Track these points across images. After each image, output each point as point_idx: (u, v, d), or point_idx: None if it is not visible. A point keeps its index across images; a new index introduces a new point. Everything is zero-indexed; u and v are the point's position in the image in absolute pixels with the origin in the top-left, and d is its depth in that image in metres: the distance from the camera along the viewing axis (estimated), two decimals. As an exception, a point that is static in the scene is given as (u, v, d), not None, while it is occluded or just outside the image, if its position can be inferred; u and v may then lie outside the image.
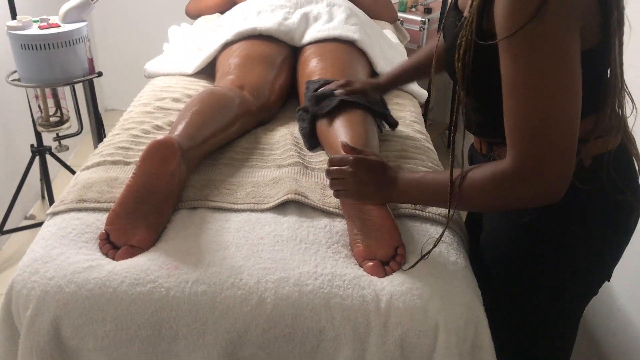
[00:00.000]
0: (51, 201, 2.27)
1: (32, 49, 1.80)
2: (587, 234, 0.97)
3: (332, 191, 1.07)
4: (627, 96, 0.93)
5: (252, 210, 1.13)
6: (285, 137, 1.39)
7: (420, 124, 1.55)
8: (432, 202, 1.02)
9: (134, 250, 1.03)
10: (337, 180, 1.04)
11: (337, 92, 1.33)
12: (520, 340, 1.08)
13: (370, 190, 1.02)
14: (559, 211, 0.91)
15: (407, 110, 1.60)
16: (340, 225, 1.10)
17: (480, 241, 1.13)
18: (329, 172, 1.05)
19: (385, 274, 1.00)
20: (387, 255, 1.02)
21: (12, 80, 1.93)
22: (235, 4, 2.06)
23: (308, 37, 1.70)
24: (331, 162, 1.05)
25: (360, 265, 1.02)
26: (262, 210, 1.13)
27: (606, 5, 0.81)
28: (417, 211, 1.13)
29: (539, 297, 1.03)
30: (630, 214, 0.98)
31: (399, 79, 1.38)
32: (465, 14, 0.90)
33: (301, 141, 1.39)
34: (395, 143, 1.38)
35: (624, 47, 0.87)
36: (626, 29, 0.86)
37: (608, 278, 1.06)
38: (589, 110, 0.84)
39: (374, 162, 1.03)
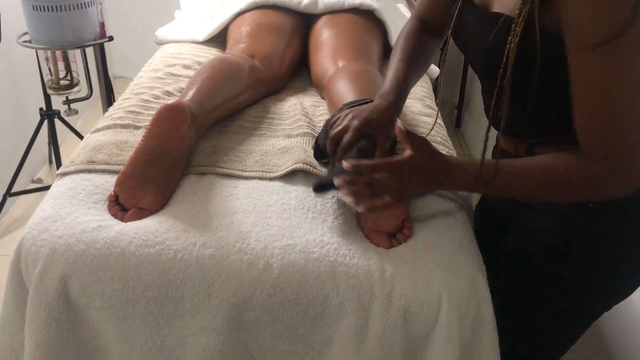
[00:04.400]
0: (58, 165, 2.28)
1: (44, 11, 1.79)
2: (629, 241, 0.93)
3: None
4: None
5: (260, 178, 1.13)
6: (294, 107, 1.39)
7: (431, 99, 1.54)
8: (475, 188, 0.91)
9: (143, 212, 1.04)
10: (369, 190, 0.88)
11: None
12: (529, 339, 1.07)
13: (419, 188, 0.90)
14: (600, 211, 0.90)
15: (418, 85, 1.59)
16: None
17: (509, 236, 1.08)
18: (353, 184, 0.88)
19: (392, 246, 1.00)
20: (394, 227, 1.02)
21: (24, 41, 1.92)
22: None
23: (323, 4, 1.68)
24: (356, 169, 0.87)
25: (367, 236, 1.03)
26: (270, 179, 1.13)
27: None
28: (424, 185, 1.13)
29: (563, 297, 1.00)
30: None
31: (406, 90, 1.12)
32: (499, 10, 0.86)
33: (310, 111, 1.38)
34: (407, 117, 1.37)
35: None
36: None
37: (629, 293, 1.01)
38: None
39: (423, 157, 0.87)
